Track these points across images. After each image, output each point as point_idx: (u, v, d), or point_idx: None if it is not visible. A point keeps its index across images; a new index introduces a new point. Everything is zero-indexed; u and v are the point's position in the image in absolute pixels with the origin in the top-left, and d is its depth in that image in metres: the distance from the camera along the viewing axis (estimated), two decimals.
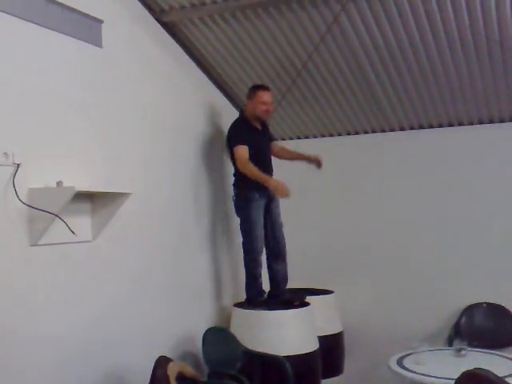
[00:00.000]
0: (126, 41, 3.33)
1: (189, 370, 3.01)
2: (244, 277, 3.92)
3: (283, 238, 3.99)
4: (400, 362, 3.49)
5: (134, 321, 3.21)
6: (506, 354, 3.66)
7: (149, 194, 3.40)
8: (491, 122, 4.36)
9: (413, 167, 4.57)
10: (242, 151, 3.80)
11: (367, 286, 4.63)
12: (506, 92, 4.04)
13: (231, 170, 4.02)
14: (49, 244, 2.65)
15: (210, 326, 3.73)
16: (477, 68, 3.82)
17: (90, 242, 2.93)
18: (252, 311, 3.74)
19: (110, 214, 2.93)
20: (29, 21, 2.64)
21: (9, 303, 2.49)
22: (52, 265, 2.72)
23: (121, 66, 3.27)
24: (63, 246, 2.75)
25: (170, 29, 3.76)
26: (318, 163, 4.07)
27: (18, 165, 2.51)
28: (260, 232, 3.87)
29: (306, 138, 4.90)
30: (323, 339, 3.87)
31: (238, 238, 3.96)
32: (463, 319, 4.29)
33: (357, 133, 4.75)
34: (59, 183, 2.63)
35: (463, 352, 3.57)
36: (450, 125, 4.46)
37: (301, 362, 3.52)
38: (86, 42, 2.97)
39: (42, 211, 2.54)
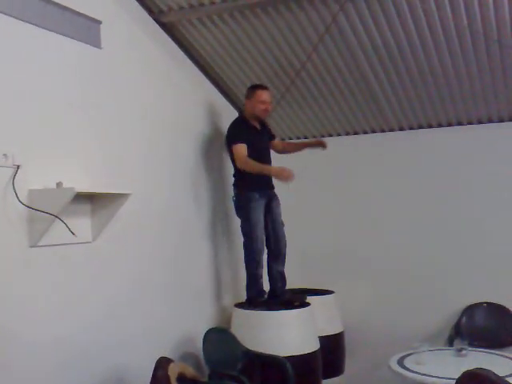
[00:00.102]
0: (125, 41, 3.33)
1: (189, 371, 3.01)
2: (244, 277, 3.92)
3: (284, 238, 3.99)
4: (401, 362, 3.49)
5: (135, 321, 3.21)
6: (506, 354, 3.66)
7: (149, 195, 3.40)
8: (490, 121, 4.37)
9: (412, 167, 4.57)
10: (241, 149, 3.80)
11: (368, 286, 4.63)
12: (504, 91, 4.04)
13: (231, 170, 4.02)
14: (49, 245, 2.65)
15: (210, 327, 3.72)
16: (475, 68, 3.83)
17: (90, 242, 2.93)
18: (252, 311, 3.74)
19: (109, 214, 2.92)
20: (27, 22, 2.64)
21: (9, 304, 2.48)
22: (52, 266, 2.71)
23: (120, 67, 3.27)
24: (63, 247, 2.75)
25: (169, 29, 3.76)
26: (321, 145, 4.09)
27: (18, 166, 2.51)
28: (260, 232, 3.86)
29: (305, 138, 4.90)
30: (324, 339, 3.87)
31: (239, 238, 3.96)
32: (464, 319, 4.29)
33: (356, 133, 4.76)
34: (59, 184, 2.62)
35: (464, 352, 3.57)
36: (449, 124, 4.47)
37: (301, 362, 3.52)
38: (84, 42, 2.97)
39: (42, 212, 2.54)
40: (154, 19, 3.63)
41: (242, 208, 3.89)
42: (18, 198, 2.50)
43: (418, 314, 4.36)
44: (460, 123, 4.43)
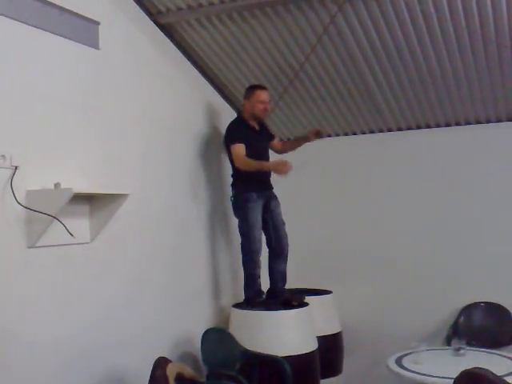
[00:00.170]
0: (123, 43, 3.34)
1: (188, 371, 3.01)
2: (243, 277, 3.93)
3: (286, 237, 4.00)
4: (399, 362, 3.49)
5: (133, 322, 3.22)
6: (504, 353, 3.65)
7: (147, 195, 3.40)
8: (488, 121, 4.37)
9: (411, 167, 4.57)
10: (239, 149, 3.81)
11: (366, 286, 4.63)
12: (502, 92, 4.05)
13: (230, 170, 4.03)
14: (47, 246, 2.65)
15: (208, 327, 3.73)
16: (473, 68, 3.83)
17: (88, 243, 2.93)
18: (250, 312, 3.75)
19: (108, 215, 2.93)
20: (25, 23, 2.64)
21: (7, 305, 2.49)
22: (50, 267, 2.72)
23: (118, 68, 3.27)
24: (61, 248, 2.75)
25: (167, 30, 3.77)
26: (318, 134, 4.07)
27: (16, 167, 2.51)
28: (258, 232, 3.87)
29: None
30: (322, 339, 3.88)
31: (237, 239, 3.96)
32: (461, 318, 4.30)
33: (354, 133, 4.76)
34: (57, 185, 2.63)
35: (462, 351, 3.57)
36: (448, 125, 4.47)
37: (300, 362, 3.53)
38: (83, 43, 2.97)
39: (40, 213, 2.54)
40: (153, 20, 3.63)
41: (240, 208, 3.90)
42: (16, 198, 2.50)
43: (416, 314, 4.37)
44: (458, 123, 4.44)
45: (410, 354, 3.57)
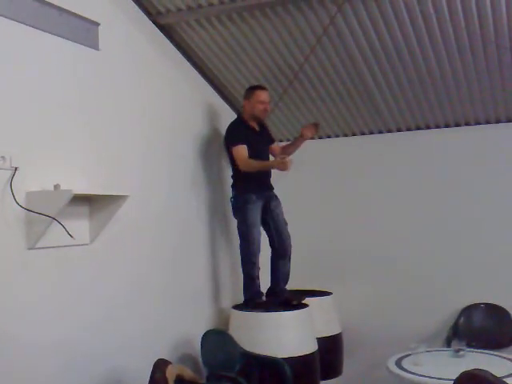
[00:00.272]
0: (123, 43, 3.33)
1: (187, 373, 3.01)
2: (242, 278, 3.92)
3: (289, 237, 4.00)
4: (398, 363, 3.48)
5: (133, 324, 3.21)
6: (504, 355, 3.66)
7: (147, 197, 3.40)
8: (488, 122, 4.37)
9: (410, 168, 4.57)
10: (242, 151, 3.81)
11: (365, 287, 4.63)
12: (502, 93, 4.05)
13: (230, 171, 4.02)
14: (46, 247, 2.65)
15: (208, 329, 3.73)
16: (473, 68, 3.83)
17: (87, 244, 2.93)
18: (250, 313, 3.74)
19: (107, 216, 2.92)
20: (25, 23, 2.64)
21: (6, 307, 2.48)
22: (50, 268, 2.71)
23: (118, 69, 3.27)
24: (61, 250, 2.75)
25: (167, 31, 3.76)
26: (313, 129, 4.06)
27: (16, 168, 2.51)
28: (257, 234, 3.87)
29: None
30: (322, 341, 3.87)
31: (237, 240, 3.96)
32: (461, 320, 4.29)
33: (354, 134, 4.76)
34: (57, 186, 2.63)
35: (462, 353, 3.57)
36: (447, 125, 4.47)
37: (299, 363, 3.52)
38: (82, 44, 2.97)
39: (40, 214, 2.54)
40: (152, 21, 3.63)
41: (239, 209, 3.89)
42: (15, 200, 2.50)
43: (416, 315, 4.36)
44: (458, 124, 4.44)
45: (410, 355, 3.57)
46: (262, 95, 3.91)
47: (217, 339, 3.57)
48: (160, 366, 2.80)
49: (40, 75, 2.73)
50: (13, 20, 2.58)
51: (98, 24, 3.06)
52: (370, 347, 4.42)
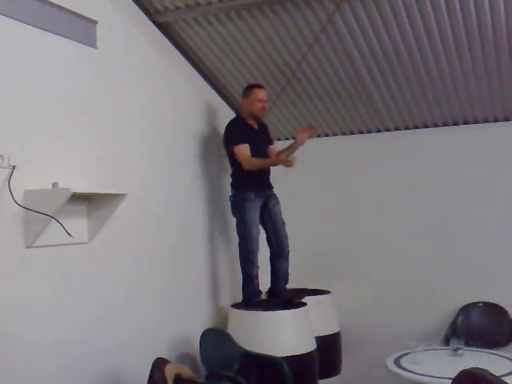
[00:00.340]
0: (121, 42, 3.32)
1: (186, 372, 3.01)
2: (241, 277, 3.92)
3: (286, 237, 3.99)
4: (397, 362, 3.49)
5: (132, 323, 3.20)
6: (502, 353, 3.67)
7: (146, 195, 3.39)
8: (485, 121, 4.38)
9: (409, 167, 4.57)
10: (244, 150, 3.81)
11: (364, 286, 4.62)
12: (499, 91, 4.05)
13: (229, 169, 4.02)
14: (45, 246, 2.64)
15: (207, 327, 3.73)
16: (471, 67, 3.83)
17: (86, 243, 2.92)
18: (249, 312, 3.74)
19: (106, 215, 2.92)
20: (23, 22, 2.63)
21: (5, 305, 2.47)
22: (48, 267, 2.70)
23: (116, 67, 3.26)
24: (59, 248, 2.74)
25: (165, 29, 3.76)
26: (306, 132, 4.02)
27: (14, 166, 2.50)
28: (256, 232, 3.87)
29: None
30: (320, 339, 3.86)
31: (236, 239, 3.95)
32: (460, 318, 4.30)
33: (352, 133, 4.76)
34: (55, 185, 2.62)
35: (460, 351, 3.57)
36: (445, 124, 4.48)
37: (298, 362, 3.52)
38: (80, 42, 2.96)
39: (38, 213, 2.53)
40: (151, 19, 3.63)
41: (238, 208, 3.89)
42: (13, 198, 2.49)
43: (415, 314, 4.37)
44: (455, 123, 4.44)
45: (409, 354, 3.58)
46: (260, 93, 3.91)
47: (216, 338, 3.57)
48: (159, 364, 2.80)
49: (39, 73, 2.72)
50: (12, 18, 2.57)
51: (96, 22, 3.06)
52: (368, 346, 4.43)
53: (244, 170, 3.82)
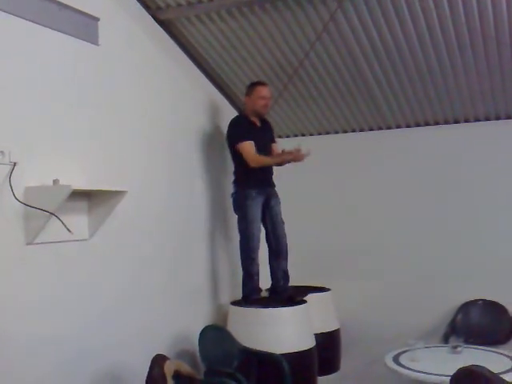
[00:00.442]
0: (123, 38, 3.33)
1: (185, 369, 3.01)
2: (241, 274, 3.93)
3: (284, 236, 4.00)
4: (396, 359, 3.49)
5: (131, 319, 3.22)
6: (501, 351, 3.66)
7: (146, 193, 3.40)
8: (487, 119, 4.37)
9: (409, 165, 4.57)
10: (249, 147, 3.81)
11: (364, 283, 4.63)
12: (501, 88, 4.05)
13: (231, 167, 4.02)
14: (45, 242, 2.65)
15: (206, 324, 3.73)
16: (473, 65, 3.83)
17: (86, 240, 2.93)
18: (248, 309, 3.75)
19: (106, 212, 2.93)
20: (25, 18, 2.64)
21: (5, 302, 2.48)
22: (48, 263, 2.71)
23: (117, 64, 3.26)
24: (59, 245, 2.75)
25: (167, 26, 3.76)
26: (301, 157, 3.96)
27: (15, 163, 2.51)
28: (257, 230, 3.87)
29: (303, 135, 4.90)
30: (320, 336, 3.88)
31: (237, 236, 3.96)
32: (459, 316, 4.30)
33: (353, 130, 4.76)
34: (56, 181, 2.63)
35: (459, 349, 3.58)
36: (447, 122, 4.47)
37: (297, 359, 3.53)
38: (82, 39, 2.97)
39: (39, 209, 2.54)
40: (152, 16, 3.63)
41: (239, 205, 3.90)
42: (14, 195, 2.50)
43: (414, 312, 4.37)
44: (457, 121, 4.44)
45: (408, 351, 3.58)
46: (263, 91, 3.92)
47: (215, 335, 3.57)
48: (158, 361, 2.81)
49: (39, 70, 2.73)
50: (12, 15, 2.57)
51: (97, 19, 3.06)
52: (367, 343, 4.43)
53: (247, 167, 3.82)
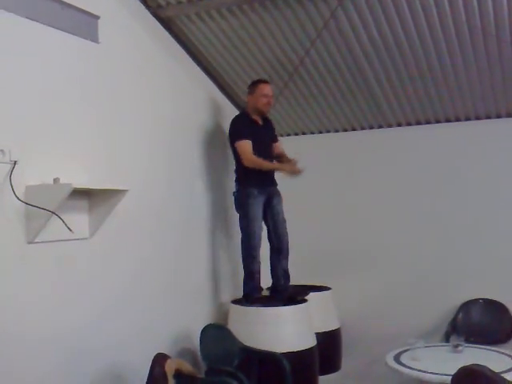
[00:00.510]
0: (123, 36, 3.32)
1: (186, 367, 3.01)
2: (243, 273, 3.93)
3: (286, 235, 4.00)
4: (397, 358, 3.49)
5: (132, 318, 3.21)
6: (502, 350, 3.66)
7: (147, 191, 3.39)
8: (488, 117, 4.36)
9: (410, 163, 4.57)
10: (246, 146, 3.80)
11: (364, 282, 4.63)
12: (502, 87, 4.04)
13: (232, 166, 4.01)
14: (46, 241, 2.64)
15: (207, 323, 3.73)
16: (473, 62, 3.82)
17: (87, 239, 2.92)
18: (249, 308, 3.75)
19: (107, 210, 2.92)
20: (25, 17, 2.63)
21: (6, 301, 2.48)
22: (49, 262, 2.71)
23: (117, 62, 3.25)
24: (60, 244, 2.74)
25: (167, 24, 3.75)
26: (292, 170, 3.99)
27: (15, 162, 2.50)
28: (258, 228, 3.87)
29: (304, 134, 4.90)
30: (320, 336, 3.88)
31: (238, 235, 3.96)
32: (460, 315, 4.30)
33: (354, 129, 4.75)
34: (56, 180, 2.62)
35: (460, 348, 3.57)
36: (448, 120, 4.47)
37: (298, 358, 3.53)
38: (82, 37, 2.96)
39: (39, 208, 2.53)
40: (152, 14, 3.62)
41: (241, 204, 3.90)
42: (15, 194, 2.49)
43: (415, 311, 4.37)
44: (458, 119, 4.43)
45: (409, 350, 3.57)
46: (266, 88, 3.91)
47: (216, 334, 3.57)
48: (159, 360, 2.81)
49: (40, 68, 2.72)
50: (13, 13, 2.56)
51: (98, 17, 3.05)
52: (368, 342, 4.43)
53: (250, 167, 3.81)
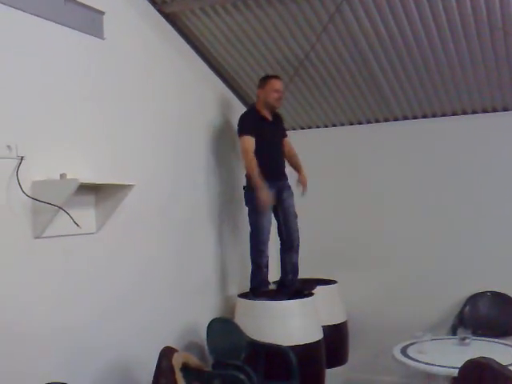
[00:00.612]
0: (128, 32, 3.32)
1: (193, 361, 3.03)
2: (250, 267, 3.94)
3: (296, 230, 3.99)
4: (404, 351, 3.50)
5: (139, 312, 3.23)
6: (509, 343, 3.67)
7: (153, 186, 3.41)
8: (494, 110, 4.34)
9: (416, 157, 4.56)
10: (248, 142, 3.80)
11: (371, 275, 4.63)
12: (509, 80, 4.02)
13: (240, 160, 4.02)
14: (53, 236, 2.66)
15: (214, 317, 3.75)
16: (479, 56, 3.80)
17: (93, 233, 2.94)
18: (256, 301, 3.76)
19: (113, 205, 2.93)
20: (30, 13, 2.63)
21: (13, 295, 2.50)
22: (56, 257, 2.73)
23: (123, 58, 3.26)
24: (67, 239, 2.76)
25: (172, 20, 3.75)
26: (303, 187, 4.05)
27: (22, 157, 2.51)
28: (267, 223, 3.87)
29: (309, 128, 4.89)
30: (327, 329, 3.88)
31: (246, 229, 3.96)
32: (467, 308, 4.30)
33: (360, 123, 4.74)
34: (63, 175, 2.63)
35: (467, 341, 3.58)
36: (454, 114, 4.45)
37: (305, 351, 3.54)
38: (87, 33, 2.96)
39: (46, 203, 2.55)
40: (157, 9, 3.62)
41: (250, 198, 3.89)
42: (22, 189, 2.51)
43: (422, 303, 4.37)
44: (464, 112, 4.41)
45: (415, 343, 3.58)
46: (277, 84, 3.90)
47: (223, 327, 3.59)
48: (166, 353, 2.83)
49: (45, 64, 2.73)
50: (18, 9, 2.57)
51: (102, 13, 3.06)
52: (375, 335, 4.44)
53: (256, 159, 3.79)
